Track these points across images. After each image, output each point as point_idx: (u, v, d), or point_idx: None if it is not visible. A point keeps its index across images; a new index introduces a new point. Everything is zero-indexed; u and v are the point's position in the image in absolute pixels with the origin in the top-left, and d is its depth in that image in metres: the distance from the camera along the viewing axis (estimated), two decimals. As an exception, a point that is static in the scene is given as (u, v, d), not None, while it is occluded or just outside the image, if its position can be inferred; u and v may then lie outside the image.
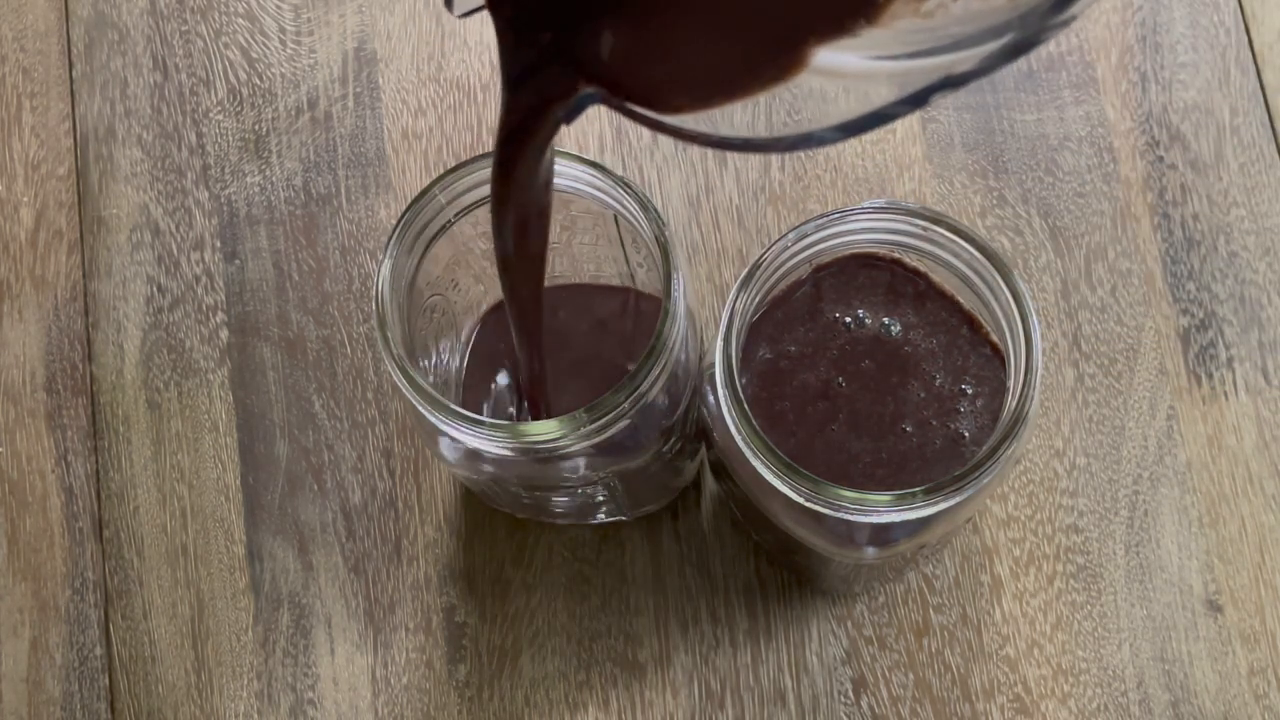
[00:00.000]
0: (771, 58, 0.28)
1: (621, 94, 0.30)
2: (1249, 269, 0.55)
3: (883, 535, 0.41)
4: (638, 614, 0.53)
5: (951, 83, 0.24)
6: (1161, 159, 0.56)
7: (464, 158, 0.46)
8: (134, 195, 0.58)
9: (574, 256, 0.46)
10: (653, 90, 0.30)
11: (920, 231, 0.40)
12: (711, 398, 0.42)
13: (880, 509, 0.38)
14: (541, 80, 0.31)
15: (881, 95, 0.26)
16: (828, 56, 0.27)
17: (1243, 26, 0.58)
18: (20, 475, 0.56)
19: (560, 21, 0.31)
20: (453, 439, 0.40)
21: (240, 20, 0.60)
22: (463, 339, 0.44)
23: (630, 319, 0.44)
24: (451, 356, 0.46)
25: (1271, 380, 0.54)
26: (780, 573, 0.53)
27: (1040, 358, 0.38)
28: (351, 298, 0.57)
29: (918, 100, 0.25)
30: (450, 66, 0.59)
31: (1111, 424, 0.54)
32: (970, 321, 0.42)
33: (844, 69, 0.27)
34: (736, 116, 0.30)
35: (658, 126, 0.30)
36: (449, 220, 0.42)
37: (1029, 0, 0.24)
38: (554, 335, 0.42)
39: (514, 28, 0.31)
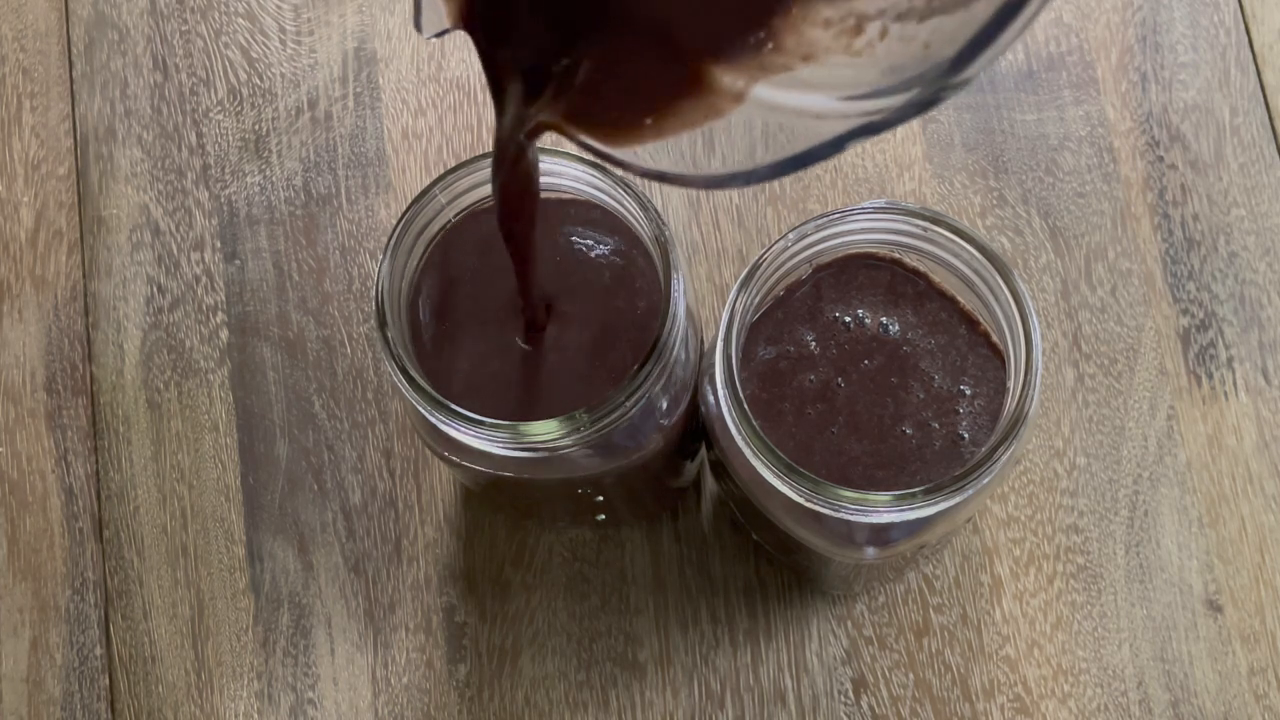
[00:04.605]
0: (673, 76, 0.30)
1: (573, 124, 0.33)
2: (1249, 269, 0.55)
3: (883, 535, 0.41)
4: (638, 614, 0.53)
5: (870, 129, 0.26)
6: (1161, 159, 0.56)
7: (464, 157, 0.46)
8: (134, 195, 0.58)
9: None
10: (599, 124, 0.32)
11: (920, 231, 0.40)
12: (711, 398, 0.42)
13: (880, 509, 0.38)
14: (509, 105, 0.34)
15: (814, 135, 0.28)
16: (766, 91, 0.29)
17: (1243, 26, 0.58)
18: (20, 475, 0.56)
19: (523, 54, 0.33)
20: (452, 439, 0.40)
21: (240, 20, 0.60)
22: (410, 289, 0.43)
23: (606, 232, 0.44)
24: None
25: (1271, 380, 0.54)
26: (780, 573, 0.53)
27: (1040, 358, 0.38)
28: (351, 298, 0.57)
29: (839, 144, 0.27)
30: (450, 66, 0.59)
31: (1111, 424, 0.54)
32: (970, 321, 0.42)
33: (783, 104, 0.29)
34: (688, 152, 0.31)
35: (604, 156, 0.32)
36: (449, 220, 0.42)
37: (935, 55, 0.25)
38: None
39: (485, 56, 0.34)
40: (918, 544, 0.43)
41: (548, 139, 0.36)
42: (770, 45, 0.29)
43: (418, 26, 0.33)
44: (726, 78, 0.29)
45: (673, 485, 0.52)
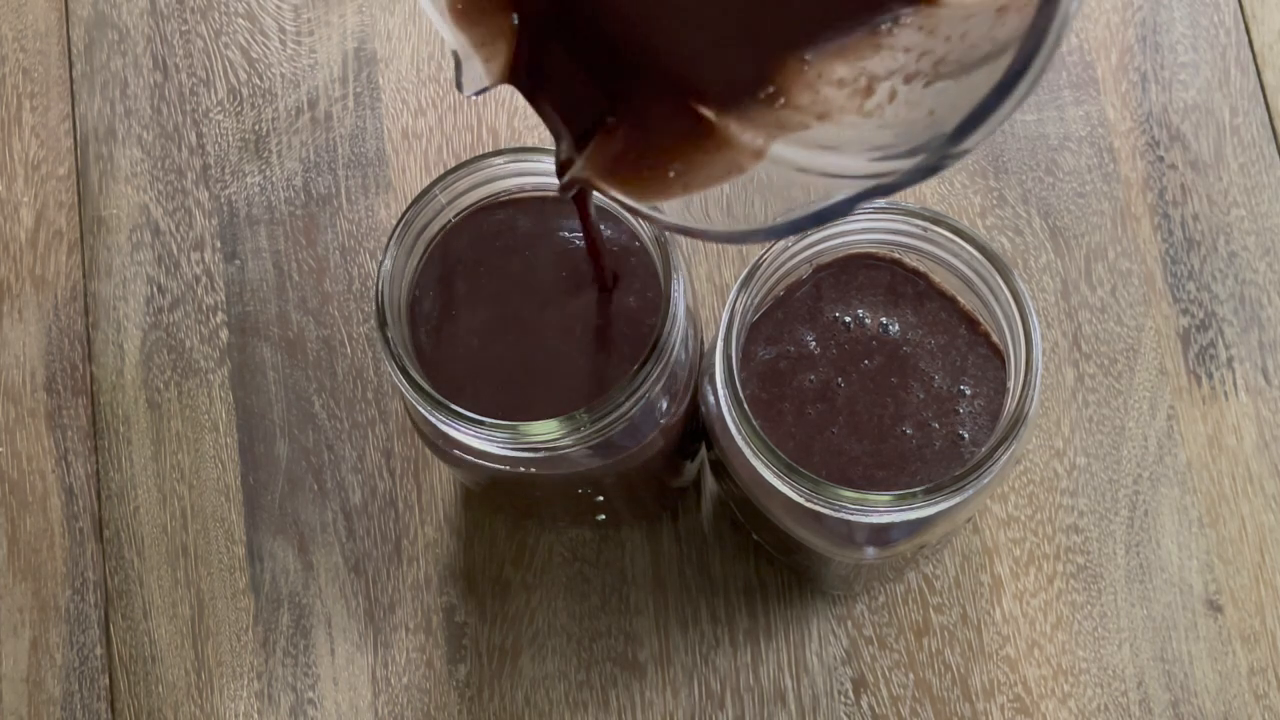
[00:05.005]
0: (697, 130, 0.31)
1: (604, 180, 0.34)
2: (1249, 269, 0.55)
3: (883, 535, 0.41)
4: (638, 614, 0.53)
5: (880, 191, 0.27)
6: (1161, 159, 0.56)
7: (464, 157, 0.46)
8: (134, 195, 0.58)
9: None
10: (628, 179, 0.34)
11: (920, 231, 0.40)
12: (711, 398, 0.42)
13: (880, 509, 0.38)
14: (558, 159, 0.36)
15: (829, 194, 0.29)
16: (784, 149, 0.30)
17: (1243, 26, 0.58)
18: (20, 475, 0.56)
19: (559, 111, 0.35)
20: (452, 438, 0.40)
21: (240, 20, 0.60)
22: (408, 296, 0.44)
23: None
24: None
25: (1271, 380, 0.54)
26: (780, 573, 0.53)
27: (1040, 358, 0.38)
28: (351, 298, 0.57)
29: (852, 203, 0.28)
30: (450, 66, 0.59)
31: (1111, 424, 0.54)
32: (970, 321, 0.42)
33: (800, 162, 0.30)
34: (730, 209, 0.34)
35: (632, 210, 0.34)
36: (449, 220, 0.42)
37: (939, 123, 0.27)
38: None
39: (542, 114, 0.35)
40: (918, 544, 0.43)
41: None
42: (781, 100, 0.30)
43: (459, 86, 0.34)
44: (746, 134, 0.31)
45: (673, 485, 0.52)
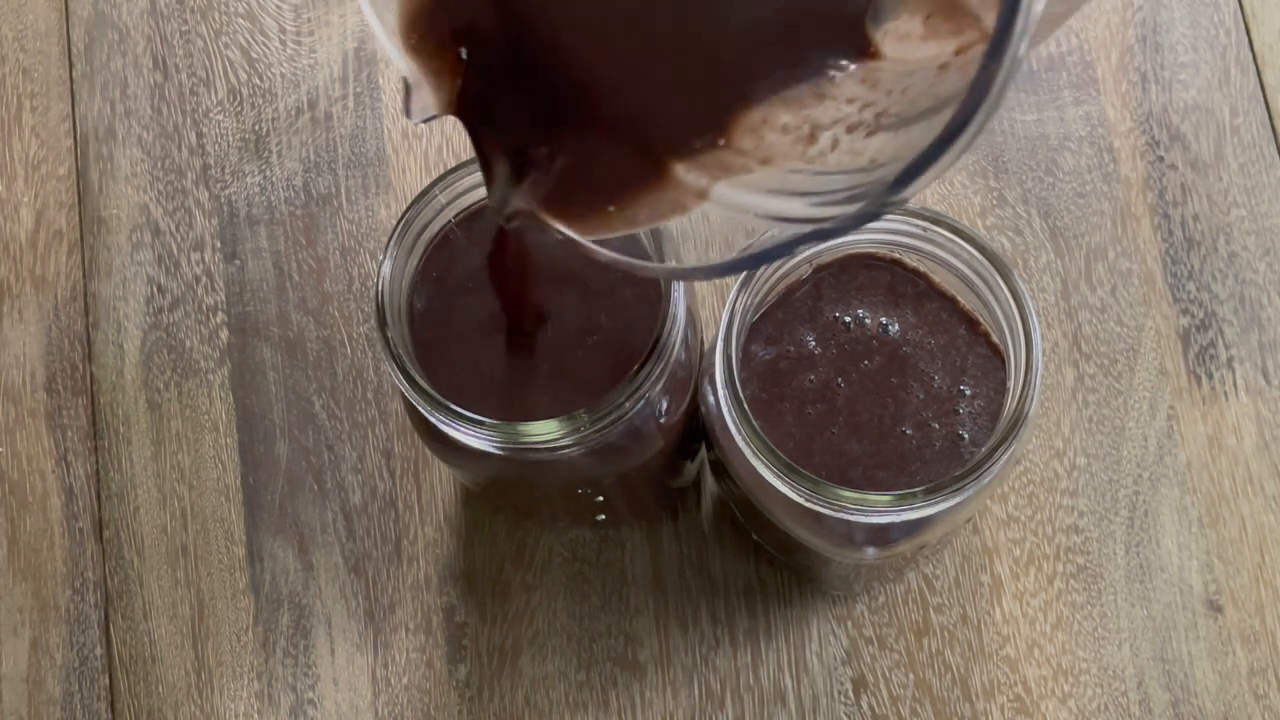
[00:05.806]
0: (638, 168, 0.31)
1: (547, 212, 0.34)
2: (1249, 269, 0.55)
3: (883, 535, 0.41)
4: (638, 614, 0.53)
5: (821, 235, 0.28)
6: (1161, 159, 0.56)
7: (464, 157, 0.46)
8: (134, 195, 0.58)
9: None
10: (571, 213, 0.34)
11: (920, 232, 0.40)
12: (711, 398, 0.42)
13: (880, 509, 0.38)
14: (493, 189, 0.35)
15: (770, 236, 0.30)
16: (727, 191, 0.31)
17: (1243, 26, 0.58)
18: (20, 475, 0.56)
19: (505, 141, 0.35)
20: (452, 439, 0.40)
21: (240, 20, 0.60)
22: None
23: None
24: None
25: (1271, 380, 0.54)
26: (780, 573, 0.53)
27: (1040, 358, 0.38)
28: (351, 298, 0.57)
29: (791, 245, 0.28)
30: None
31: (1111, 424, 0.54)
32: (970, 321, 0.42)
33: (742, 204, 0.31)
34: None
35: (574, 243, 0.34)
36: (449, 220, 0.42)
37: (879, 173, 0.27)
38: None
39: (474, 140, 0.35)
40: (918, 544, 0.43)
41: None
42: (723, 142, 0.30)
43: (407, 113, 0.34)
44: (690, 175, 0.31)
45: (673, 485, 0.52)
